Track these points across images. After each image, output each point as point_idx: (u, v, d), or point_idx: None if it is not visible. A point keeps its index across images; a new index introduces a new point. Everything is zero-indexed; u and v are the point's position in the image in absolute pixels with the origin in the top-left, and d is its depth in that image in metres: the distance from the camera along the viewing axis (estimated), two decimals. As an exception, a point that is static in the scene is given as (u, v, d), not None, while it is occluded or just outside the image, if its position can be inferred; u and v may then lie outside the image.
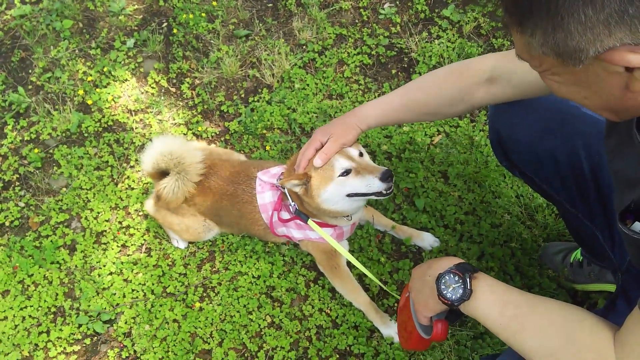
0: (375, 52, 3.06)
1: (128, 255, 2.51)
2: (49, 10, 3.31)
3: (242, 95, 2.98)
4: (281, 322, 2.29)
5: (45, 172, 2.78)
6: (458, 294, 1.32)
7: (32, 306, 2.39)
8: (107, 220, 2.60)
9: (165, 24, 3.26)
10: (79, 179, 2.72)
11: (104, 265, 2.48)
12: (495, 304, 1.28)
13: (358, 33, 3.14)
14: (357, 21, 3.20)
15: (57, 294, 2.42)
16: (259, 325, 2.29)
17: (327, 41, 3.10)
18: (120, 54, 3.13)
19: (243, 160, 2.51)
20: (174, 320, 2.33)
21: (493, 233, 2.42)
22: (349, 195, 2.00)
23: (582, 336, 1.15)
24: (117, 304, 2.38)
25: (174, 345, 2.26)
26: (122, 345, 2.30)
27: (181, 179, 2.20)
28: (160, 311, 2.34)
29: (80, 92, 2.98)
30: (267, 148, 2.75)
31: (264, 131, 2.81)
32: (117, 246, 2.53)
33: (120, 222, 2.59)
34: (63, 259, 2.50)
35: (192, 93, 3.01)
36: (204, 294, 2.39)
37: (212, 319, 2.31)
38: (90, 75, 3.05)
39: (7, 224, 2.63)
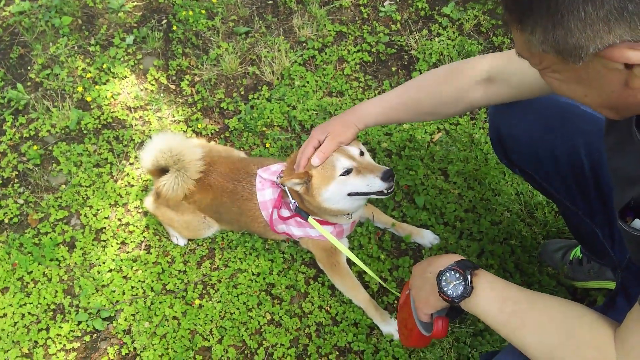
0: (376, 50, 3.06)
1: (127, 252, 2.51)
2: (47, 7, 3.30)
3: (242, 93, 2.97)
4: (281, 319, 2.29)
5: (45, 169, 2.78)
6: (459, 290, 1.32)
7: (32, 303, 2.39)
8: (106, 218, 2.60)
9: (164, 21, 3.26)
10: (78, 176, 2.72)
11: (104, 263, 2.48)
12: (495, 300, 1.28)
13: (358, 30, 3.14)
14: (357, 18, 3.20)
15: (56, 291, 2.42)
16: (259, 322, 2.29)
17: (327, 38, 3.10)
18: (119, 51, 3.13)
19: (243, 158, 2.51)
20: (174, 318, 2.33)
21: (493, 230, 2.42)
22: (349, 195, 2.00)
23: (582, 332, 1.15)
24: (117, 301, 2.38)
25: (174, 342, 2.26)
26: (121, 342, 2.30)
27: (181, 176, 2.19)
28: (159, 308, 2.34)
29: (80, 89, 2.98)
30: (267, 145, 2.75)
31: (264, 128, 2.81)
32: (117, 243, 2.53)
33: (119, 219, 2.59)
34: (62, 256, 2.50)
35: (191, 90, 3.00)
36: (204, 291, 2.39)
37: (212, 316, 2.31)
38: (90, 72, 3.05)
39: (6, 221, 2.63)
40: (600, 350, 1.10)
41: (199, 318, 2.31)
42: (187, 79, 3.03)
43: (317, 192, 1.99)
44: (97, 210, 2.62)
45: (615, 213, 1.16)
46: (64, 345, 2.30)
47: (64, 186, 2.71)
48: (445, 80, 1.79)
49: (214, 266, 2.45)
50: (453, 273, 1.35)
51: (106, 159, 2.77)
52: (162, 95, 2.99)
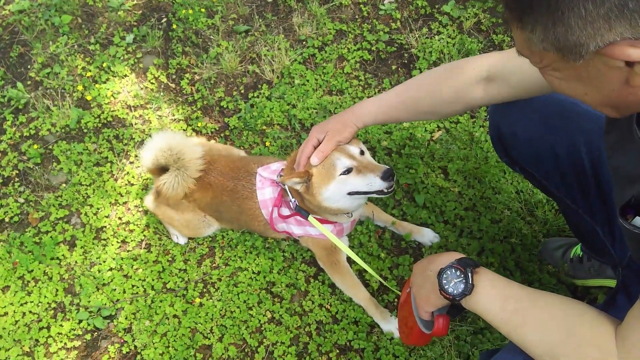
0: (376, 48, 3.06)
1: (128, 251, 2.51)
2: (47, 6, 3.30)
3: (242, 91, 2.97)
4: (281, 318, 2.29)
5: (45, 168, 2.78)
6: (460, 288, 1.32)
7: (33, 302, 2.39)
8: (106, 216, 2.60)
9: (164, 20, 3.25)
10: (78, 174, 2.72)
11: (104, 261, 2.48)
12: (496, 298, 1.28)
13: (358, 29, 3.14)
14: (357, 17, 3.19)
15: (57, 290, 2.42)
16: (259, 320, 2.29)
17: (327, 37, 3.10)
18: (119, 50, 3.12)
19: (243, 156, 2.51)
20: (174, 316, 2.33)
21: (493, 229, 2.42)
22: (350, 194, 2.00)
23: (583, 330, 1.15)
24: (117, 300, 2.38)
25: (175, 340, 2.26)
26: (122, 340, 2.30)
27: (181, 175, 2.19)
28: (160, 307, 2.35)
29: (80, 87, 2.98)
30: (267, 144, 2.75)
31: (264, 127, 2.81)
32: (117, 242, 2.53)
33: (120, 218, 2.59)
34: (63, 255, 2.50)
35: (191, 89, 3.00)
36: (204, 290, 2.39)
37: (213, 315, 2.31)
38: (90, 71, 3.05)
39: (6, 219, 2.63)
40: (601, 347, 1.10)
41: (200, 316, 2.31)
42: (187, 78, 3.02)
43: (318, 191, 1.99)
44: (98, 209, 2.62)
45: (616, 211, 1.16)
46: (65, 343, 2.30)
47: (64, 185, 2.71)
48: (444, 79, 1.78)
49: (214, 265, 2.45)
50: (454, 271, 1.35)
51: (106, 157, 2.77)
52: (162, 93, 2.99)
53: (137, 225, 2.57)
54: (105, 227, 2.57)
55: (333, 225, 2.19)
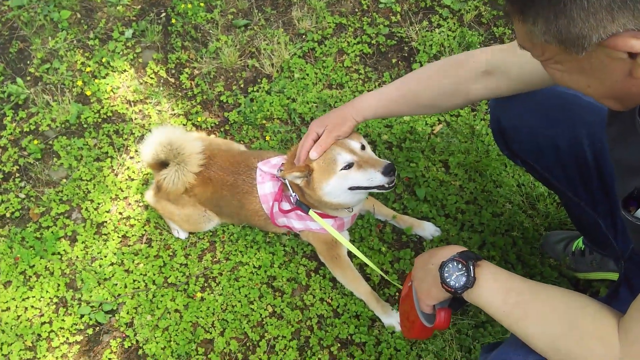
0: (376, 41, 3.04)
1: (129, 245, 2.51)
2: (46, 1, 3.28)
3: (242, 86, 2.97)
4: (282, 312, 2.29)
5: (45, 164, 2.77)
6: (461, 281, 1.32)
7: (34, 297, 2.40)
8: (107, 211, 2.60)
9: (163, 14, 3.24)
10: (78, 170, 2.71)
11: (105, 256, 2.48)
12: (498, 291, 1.28)
13: (358, 22, 3.12)
14: (357, 10, 3.18)
15: (58, 285, 2.42)
16: (261, 314, 2.29)
17: (327, 30, 3.08)
18: (118, 45, 3.11)
19: (243, 151, 2.51)
20: (176, 310, 2.33)
21: (494, 222, 2.42)
22: (350, 189, 2.00)
23: (585, 323, 1.15)
24: (119, 295, 2.38)
25: (176, 335, 2.27)
26: (124, 335, 2.30)
27: (181, 170, 2.19)
28: (161, 301, 2.35)
29: (79, 83, 2.97)
30: (267, 138, 2.74)
31: (264, 121, 2.80)
32: (118, 237, 2.53)
33: (120, 213, 2.59)
34: (64, 250, 2.50)
35: (191, 83, 2.99)
36: (205, 284, 2.39)
37: (214, 309, 2.31)
38: (89, 66, 3.04)
39: (7, 215, 2.63)
40: (604, 340, 1.10)
41: (201, 311, 2.31)
42: (187, 72, 3.02)
43: (318, 186, 1.99)
44: (98, 204, 2.62)
45: (619, 203, 1.15)
46: (67, 338, 2.31)
47: (64, 180, 2.71)
48: (444, 73, 1.78)
49: (215, 259, 2.45)
50: (455, 264, 1.35)
51: (106, 152, 2.77)
52: (161, 88, 2.98)
53: (137, 220, 2.57)
54: (106, 222, 2.57)
55: (334, 220, 2.19)
